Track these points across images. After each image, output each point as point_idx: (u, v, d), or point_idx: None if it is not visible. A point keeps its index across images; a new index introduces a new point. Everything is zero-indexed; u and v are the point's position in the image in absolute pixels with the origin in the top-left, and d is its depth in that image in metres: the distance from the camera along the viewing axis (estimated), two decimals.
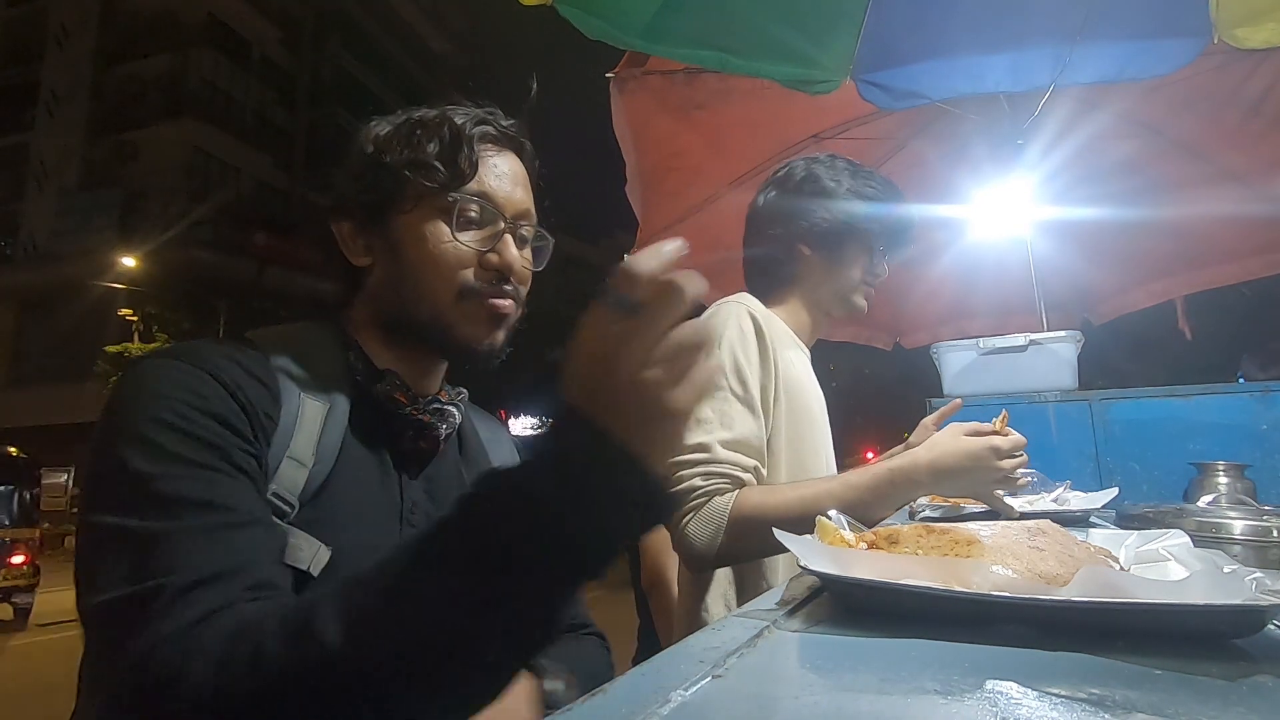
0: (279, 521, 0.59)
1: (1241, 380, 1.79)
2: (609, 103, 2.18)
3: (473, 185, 0.70)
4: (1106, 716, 0.26)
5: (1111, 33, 1.63)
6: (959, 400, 1.17)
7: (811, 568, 0.44)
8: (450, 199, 0.69)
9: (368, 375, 0.69)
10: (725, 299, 1.14)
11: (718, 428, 1.01)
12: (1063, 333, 1.87)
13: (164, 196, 15.76)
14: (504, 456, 0.85)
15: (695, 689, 0.30)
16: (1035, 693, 0.29)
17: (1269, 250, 2.50)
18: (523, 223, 0.74)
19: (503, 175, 0.73)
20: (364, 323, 0.73)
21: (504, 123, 0.75)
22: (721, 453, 0.98)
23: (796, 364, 1.14)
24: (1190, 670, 0.32)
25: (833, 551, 0.46)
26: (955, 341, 2.01)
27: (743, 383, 1.04)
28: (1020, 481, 0.95)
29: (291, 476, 0.60)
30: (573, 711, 0.27)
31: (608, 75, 2.14)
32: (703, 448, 0.99)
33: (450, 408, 0.74)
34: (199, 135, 16.39)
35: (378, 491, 0.66)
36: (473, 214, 0.70)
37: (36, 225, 16.66)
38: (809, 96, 1.88)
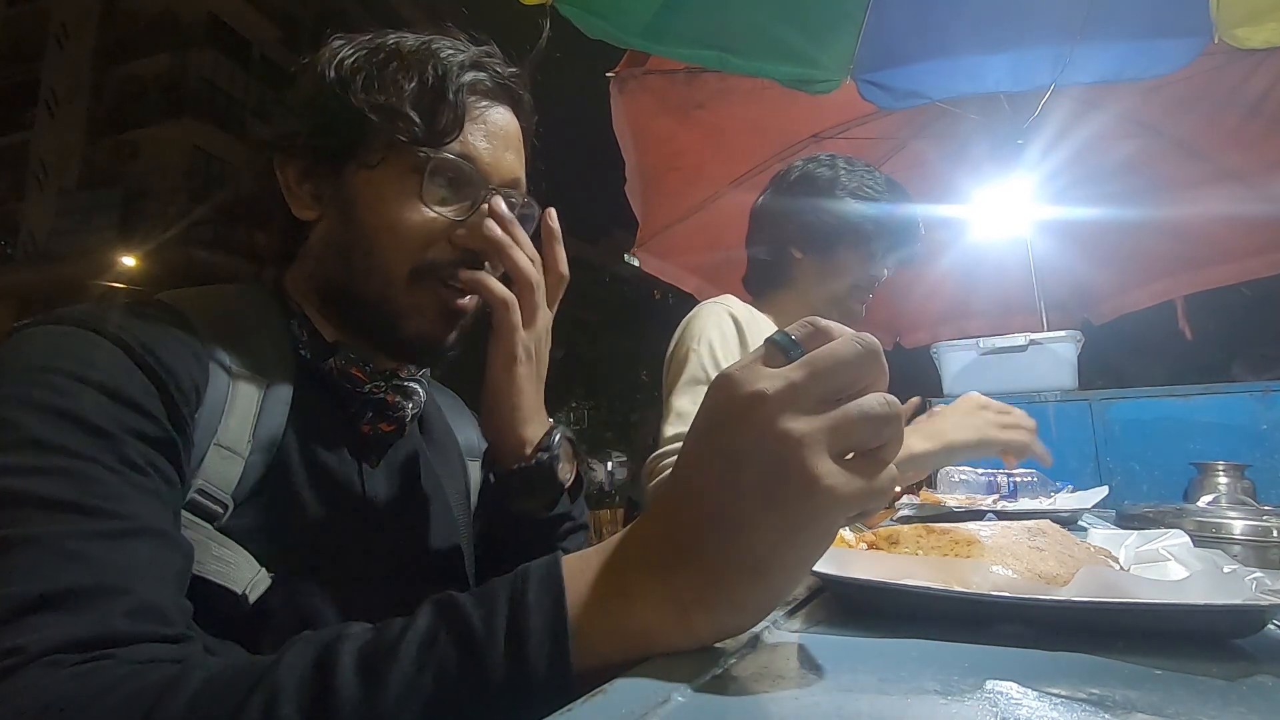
0: (201, 524, 0.47)
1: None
2: (609, 102, 2.18)
3: (454, 144, 0.58)
4: (1106, 716, 0.26)
5: (1112, 33, 1.63)
6: (915, 399, 1.13)
7: (811, 568, 0.44)
8: (421, 155, 0.56)
9: (315, 349, 0.59)
10: (708, 300, 1.14)
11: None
12: (1063, 333, 1.87)
13: (164, 196, 15.77)
14: (469, 430, 0.77)
15: (695, 689, 0.30)
16: (1035, 693, 0.29)
17: (1269, 250, 2.50)
18: (509, 191, 0.62)
19: (493, 134, 0.61)
20: (306, 287, 0.62)
21: (502, 70, 0.62)
22: None
23: None
24: (1190, 670, 0.32)
25: (832, 551, 0.46)
26: (955, 341, 2.01)
27: None
28: (1021, 441, 0.97)
29: (221, 469, 0.49)
30: (573, 711, 0.27)
31: (608, 75, 2.14)
32: (679, 438, 0.99)
33: (413, 384, 0.64)
34: (199, 135, 16.39)
35: (334, 485, 0.56)
36: (450, 178, 0.58)
37: (36, 225, 16.66)
38: (809, 96, 1.89)
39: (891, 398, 0.33)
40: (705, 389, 1.04)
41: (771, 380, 0.32)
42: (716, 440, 0.34)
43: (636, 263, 2.61)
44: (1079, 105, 2.24)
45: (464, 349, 0.65)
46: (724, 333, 1.07)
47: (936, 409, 1.03)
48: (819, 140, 2.46)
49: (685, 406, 1.02)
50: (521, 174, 0.64)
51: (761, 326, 1.13)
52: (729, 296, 1.16)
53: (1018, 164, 2.31)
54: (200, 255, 14.41)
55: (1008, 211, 2.53)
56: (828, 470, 0.31)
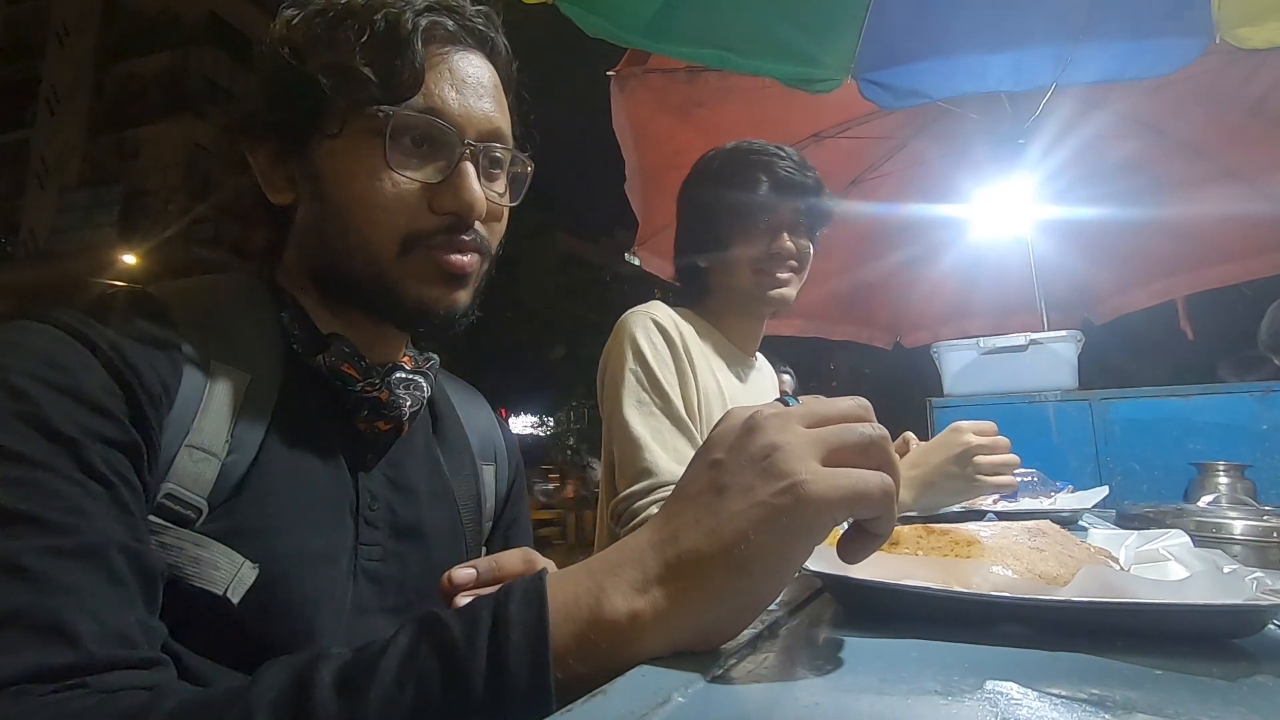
0: (172, 526, 0.44)
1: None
2: (609, 100, 2.18)
3: (418, 99, 0.53)
4: (1106, 716, 0.26)
5: (1113, 32, 1.63)
6: (906, 435, 1.07)
7: (811, 568, 0.44)
8: (381, 115, 0.51)
9: (307, 342, 0.55)
10: (632, 310, 1.07)
11: (655, 448, 0.94)
12: (1063, 332, 1.87)
13: (165, 194, 15.76)
14: (485, 429, 0.72)
15: (695, 689, 0.30)
16: (1035, 693, 0.29)
17: (1270, 250, 2.50)
18: (492, 144, 0.57)
19: (462, 82, 0.55)
20: (299, 276, 0.58)
21: (465, 11, 0.57)
22: (667, 476, 0.91)
23: (717, 381, 1.07)
24: (1190, 670, 0.32)
25: (833, 552, 0.46)
26: (956, 341, 2.01)
27: (664, 396, 0.97)
28: (1003, 483, 0.93)
29: (193, 471, 0.46)
30: (573, 712, 0.27)
31: (609, 73, 2.14)
32: (647, 472, 0.92)
33: (416, 378, 0.60)
34: (200, 133, 16.36)
35: (323, 485, 0.53)
36: (419, 137, 0.54)
37: (37, 222, 16.66)
38: (810, 95, 1.89)
39: (880, 427, 0.36)
40: (652, 410, 0.99)
41: (770, 409, 0.37)
42: (711, 455, 0.36)
43: (637, 261, 2.61)
44: (1080, 105, 2.24)
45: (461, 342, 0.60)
46: (653, 342, 1.01)
47: (912, 448, 0.99)
48: (820, 139, 2.46)
49: (643, 434, 0.95)
50: (504, 125, 0.58)
51: (692, 329, 1.07)
52: (655, 304, 1.09)
53: (1019, 163, 2.31)
54: (201, 252, 14.40)
55: (1008, 211, 2.53)
56: (808, 469, 0.33)
